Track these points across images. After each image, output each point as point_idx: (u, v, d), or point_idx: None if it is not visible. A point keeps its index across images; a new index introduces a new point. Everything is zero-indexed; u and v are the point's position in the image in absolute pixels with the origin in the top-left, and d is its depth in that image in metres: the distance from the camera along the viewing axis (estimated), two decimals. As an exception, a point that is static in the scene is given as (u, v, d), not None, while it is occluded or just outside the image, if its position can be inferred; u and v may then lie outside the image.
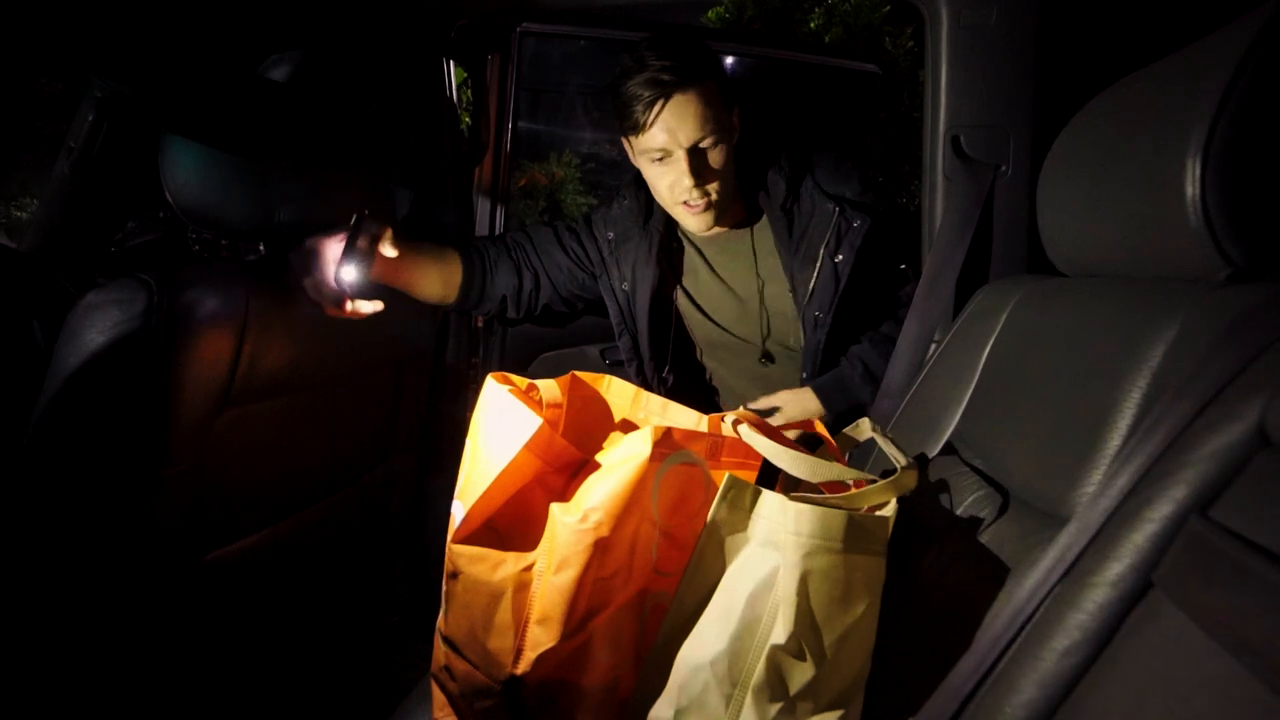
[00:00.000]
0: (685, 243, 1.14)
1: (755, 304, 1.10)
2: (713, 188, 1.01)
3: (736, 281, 1.12)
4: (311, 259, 0.89)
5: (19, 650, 0.69)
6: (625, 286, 1.13)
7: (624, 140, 1.06)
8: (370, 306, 0.91)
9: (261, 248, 0.95)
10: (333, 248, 0.89)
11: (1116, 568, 0.39)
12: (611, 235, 1.14)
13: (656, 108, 0.96)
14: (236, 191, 0.81)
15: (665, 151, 0.99)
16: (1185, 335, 0.50)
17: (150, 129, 1.11)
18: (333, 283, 0.87)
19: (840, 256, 1.02)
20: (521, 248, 1.15)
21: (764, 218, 1.10)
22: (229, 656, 0.88)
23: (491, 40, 1.32)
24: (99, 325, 0.69)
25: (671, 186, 1.01)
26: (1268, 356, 0.39)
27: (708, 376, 1.21)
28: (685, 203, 1.01)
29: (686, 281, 1.15)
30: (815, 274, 1.02)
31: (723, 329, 1.13)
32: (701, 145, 0.98)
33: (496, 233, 1.44)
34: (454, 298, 1.11)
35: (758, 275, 1.10)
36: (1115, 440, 0.51)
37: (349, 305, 0.90)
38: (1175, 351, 0.50)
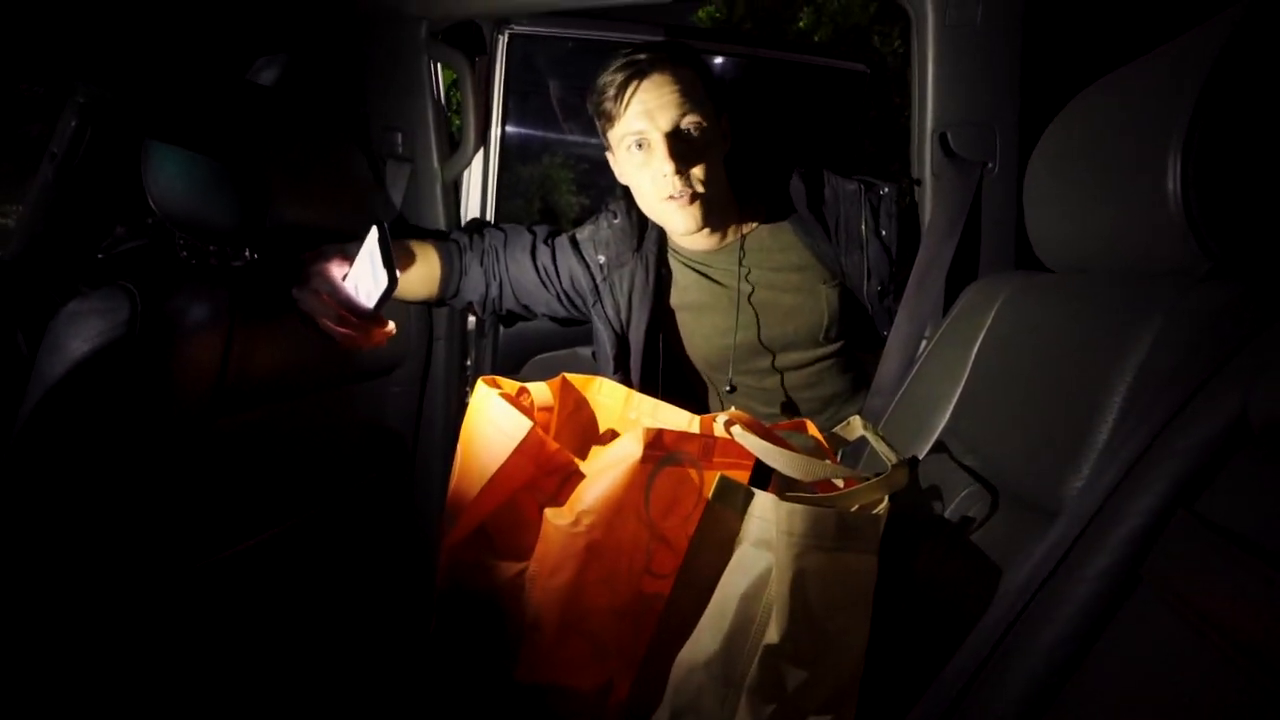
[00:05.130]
0: (678, 264, 1.09)
1: (751, 316, 1.06)
2: (698, 177, 0.95)
3: (732, 295, 1.06)
4: (326, 277, 0.86)
5: (6, 660, 0.68)
6: (622, 317, 1.08)
7: (608, 152, 1.03)
8: (391, 326, 0.89)
9: (248, 253, 0.95)
10: (350, 264, 0.87)
11: (1105, 561, 0.39)
12: (603, 260, 1.08)
13: (631, 88, 0.93)
14: (221, 197, 0.80)
15: (642, 138, 0.94)
16: (1169, 330, 0.50)
17: (135, 134, 1.10)
18: (362, 301, 0.85)
19: (885, 231, 1.00)
20: (494, 252, 1.11)
21: (762, 225, 1.07)
22: (224, 663, 0.87)
23: (477, 42, 1.31)
24: (82, 334, 0.68)
25: (654, 178, 0.96)
26: (1249, 350, 0.40)
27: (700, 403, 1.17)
28: (670, 196, 0.96)
29: (680, 306, 1.10)
30: (864, 255, 1.00)
31: (718, 347, 1.09)
32: (682, 128, 0.94)
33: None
34: (434, 296, 1.10)
35: (760, 285, 1.06)
36: (1102, 434, 0.52)
37: (375, 327, 0.88)
38: (1160, 346, 0.51)
